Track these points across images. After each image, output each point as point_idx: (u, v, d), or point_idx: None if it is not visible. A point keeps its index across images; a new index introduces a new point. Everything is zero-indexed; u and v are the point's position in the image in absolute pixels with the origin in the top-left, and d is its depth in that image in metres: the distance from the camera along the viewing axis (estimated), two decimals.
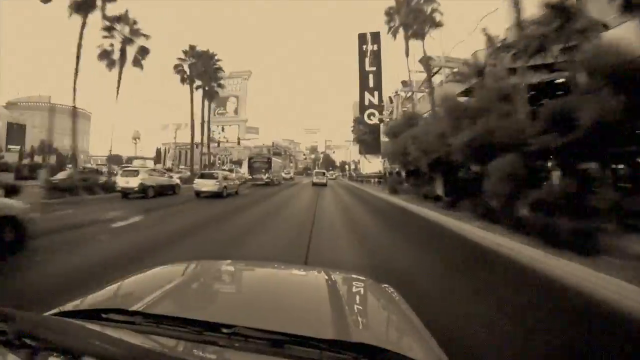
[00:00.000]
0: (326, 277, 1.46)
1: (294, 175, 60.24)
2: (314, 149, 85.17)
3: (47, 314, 0.93)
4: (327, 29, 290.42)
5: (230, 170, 33.65)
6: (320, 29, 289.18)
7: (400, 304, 1.34)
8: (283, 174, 42.88)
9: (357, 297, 1.41)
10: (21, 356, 0.66)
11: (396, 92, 29.33)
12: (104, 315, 0.90)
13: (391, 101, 36.64)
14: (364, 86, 55.58)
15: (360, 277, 1.61)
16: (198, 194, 16.35)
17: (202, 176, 17.56)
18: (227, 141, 60.64)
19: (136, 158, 40.13)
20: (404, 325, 1.15)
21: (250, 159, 34.66)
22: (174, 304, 1.09)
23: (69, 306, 1.00)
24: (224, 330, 0.82)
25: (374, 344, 0.80)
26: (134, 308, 0.94)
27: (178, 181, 18.74)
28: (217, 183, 16.53)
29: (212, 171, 21.93)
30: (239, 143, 44.91)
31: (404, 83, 30.42)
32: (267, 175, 33.26)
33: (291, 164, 75.93)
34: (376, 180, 30.03)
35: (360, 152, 52.40)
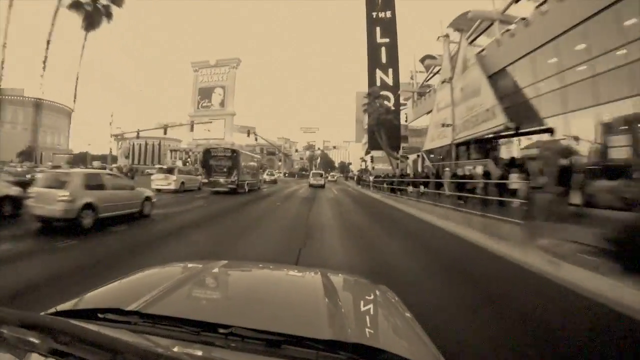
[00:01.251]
0: (323, 278, 1.40)
1: (284, 177, 47.47)
2: (310, 146, 72.11)
3: (43, 313, 0.91)
4: (328, 22, 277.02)
5: (168, 171, 20.55)
6: (320, 24, 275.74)
7: (397, 305, 1.31)
8: (265, 176, 29.88)
9: (354, 298, 1.37)
10: (18, 356, 0.66)
11: (446, 36, 16.68)
12: (100, 315, 0.89)
13: (426, 59, 23.71)
14: (374, 63, 42.52)
15: (357, 278, 1.62)
16: (40, 219, 7.01)
17: (42, 181, 7.48)
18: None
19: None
20: (401, 326, 1.13)
21: (205, 153, 21.49)
22: (171, 304, 1.04)
23: (66, 306, 0.98)
24: (221, 331, 0.80)
25: (371, 344, 0.79)
26: (131, 308, 0.92)
27: (12, 191, 8.42)
28: (66, 197, 6.69)
29: (60, 170, 9.06)
30: (192, 129, 31.07)
31: (466, 15, 17.29)
32: (231, 178, 20.31)
33: (279, 163, 62.68)
34: (419, 189, 15.96)
35: (372, 147, 39.44)
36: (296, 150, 51.41)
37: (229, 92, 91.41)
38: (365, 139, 68.92)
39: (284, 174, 53.71)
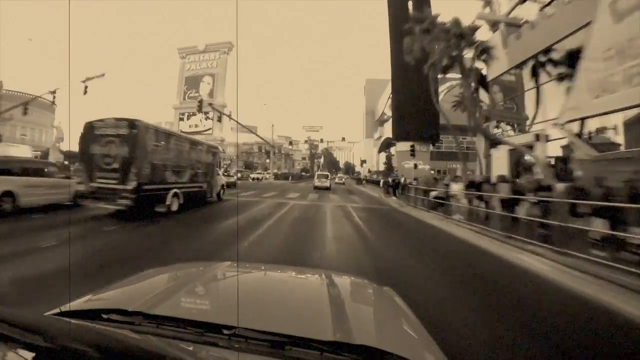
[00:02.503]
0: (327, 279, 1.41)
1: (274, 181, 35.22)
2: (311, 142, 59.55)
3: (47, 313, 0.90)
4: (328, 14, 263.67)
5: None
6: (320, 15, 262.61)
7: (401, 307, 1.29)
8: (223, 178, 17.90)
9: (358, 300, 1.37)
10: (22, 356, 0.66)
11: None
12: (104, 316, 0.89)
13: None
14: (398, 16, 30.67)
15: (361, 280, 1.60)
16: None
17: None
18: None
19: None
20: (405, 328, 1.12)
21: (84, 134, 9.94)
22: (175, 305, 1.04)
23: (69, 306, 0.97)
24: (225, 332, 0.81)
25: (375, 346, 0.79)
26: (135, 309, 0.91)
27: None
28: None
29: None
30: (85, 92, 18.92)
31: None
32: (128, 182, 8.71)
33: (268, 162, 50.17)
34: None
35: (399, 137, 27.43)
36: (290, 143, 39.01)
37: (219, 80, 79.78)
38: (379, 132, 56.79)
39: (274, 175, 41.45)
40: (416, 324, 1.12)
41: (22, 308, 0.75)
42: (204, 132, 78.59)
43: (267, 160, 44.01)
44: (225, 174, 25.27)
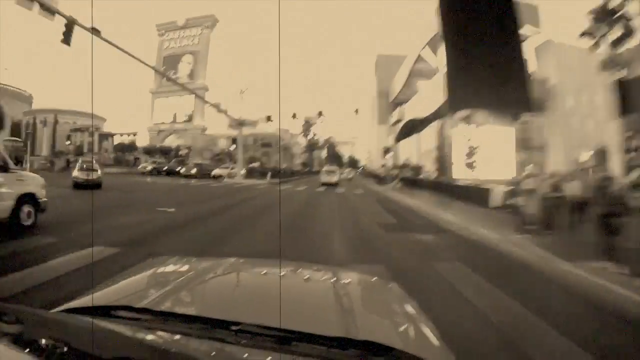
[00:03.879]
0: (333, 275, 1.42)
1: (243, 179, 22.99)
2: (307, 125, 47.69)
3: (54, 310, 0.91)
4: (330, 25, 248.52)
5: None
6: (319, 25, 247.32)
7: (407, 303, 1.28)
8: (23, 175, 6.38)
9: (364, 296, 1.37)
10: (30, 354, 0.65)
11: None
12: (111, 312, 0.89)
13: None
14: None
15: (368, 276, 1.61)
16: None
17: None
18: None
19: None
20: (411, 324, 1.11)
21: None
22: (182, 301, 1.05)
23: (77, 303, 0.97)
24: (232, 327, 0.81)
25: (381, 342, 0.79)
26: (142, 305, 0.91)
27: None
28: None
29: None
30: None
31: None
32: None
33: (231, 148, 37.35)
34: None
35: (458, 106, 16.39)
36: (268, 118, 26.86)
37: (200, 59, 67.70)
38: (398, 114, 44.55)
39: (248, 171, 28.62)
40: (423, 320, 1.11)
41: (30, 306, 0.69)
42: (184, 121, 67.48)
43: (232, 148, 31.05)
44: (88, 165, 13.51)
